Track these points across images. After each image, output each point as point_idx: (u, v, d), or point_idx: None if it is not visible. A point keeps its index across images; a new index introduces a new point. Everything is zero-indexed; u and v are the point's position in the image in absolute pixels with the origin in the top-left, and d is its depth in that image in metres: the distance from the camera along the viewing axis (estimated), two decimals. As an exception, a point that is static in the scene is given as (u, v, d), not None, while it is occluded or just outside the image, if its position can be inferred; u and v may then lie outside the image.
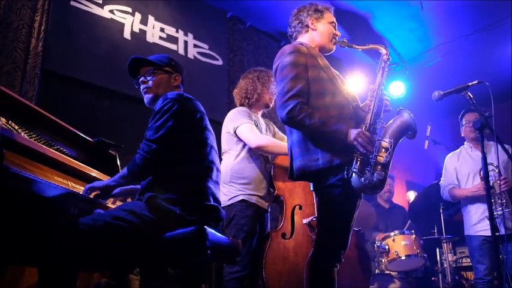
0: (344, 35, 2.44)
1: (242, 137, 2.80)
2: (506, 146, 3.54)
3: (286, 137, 2.33)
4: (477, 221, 3.38)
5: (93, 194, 1.97)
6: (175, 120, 1.92)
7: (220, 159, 2.79)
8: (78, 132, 2.37)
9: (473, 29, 5.13)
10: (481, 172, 3.25)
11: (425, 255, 4.15)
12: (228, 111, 3.04)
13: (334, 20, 2.40)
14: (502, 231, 3.17)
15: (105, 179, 2.19)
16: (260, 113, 3.06)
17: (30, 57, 3.34)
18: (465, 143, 3.67)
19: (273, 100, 3.03)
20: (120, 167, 2.57)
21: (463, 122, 3.61)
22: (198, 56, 4.58)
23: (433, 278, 4.54)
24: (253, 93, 2.96)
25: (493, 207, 3.14)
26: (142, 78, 2.14)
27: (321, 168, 2.03)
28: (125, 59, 2.20)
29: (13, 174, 1.63)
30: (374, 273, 4.14)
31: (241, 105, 3.01)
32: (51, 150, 2.06)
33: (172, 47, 4.36)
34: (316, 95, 2.11)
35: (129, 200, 2.28)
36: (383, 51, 2.30)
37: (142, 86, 2.14)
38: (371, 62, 5.46)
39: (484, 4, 4.71)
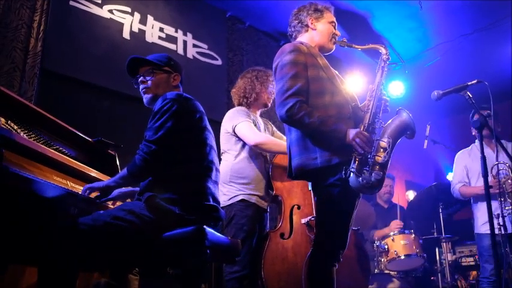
0: (343, 35, 2.44)
1: (241, 135, 2.80)
2: (510, 144, 3.56)
3: (284, 136, 2.33)
4: (485, 221, 3.38)
5: (93, 194, 1.97)
6: (174, 120, 1.92)
7: (220, 159, 2.79)
8: (78, 132, 2.37)
9: (472, 28, 5.14)
10: (493, 170, 3.25)
11: (425, 254, 4.16)
12: (227, 111, 3.04)
13: (334, 19, 2.40)
14: (510, 229, 3.17)
15: (104, 179, 2.19)
16: (258, 112, 3.05)
17: (30, 57, 3.34)
18: (476, 141, 3.66)
19: (272, 100, 3.03)
20: (119, 167, 2.57)
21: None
22: (197, 56, 4.58)
23: (432, 278, 4.54)
24: (252, 92, 2.96)
25: (502, 205, 3.15)
26: (141, 78, 2.14)
27: (319, 167, 2.04)
28: (124, 59, 2.19)
29: (12, 174, 1.63)
30: (373, 273, 4.14)
31: (240, 104, 3.01)
32: (51, 150, 2.06)
33: (172, 46, 4.36)
34: (316, 94, 2.11)
35: (128, 200, 2.28)
36: (383, 51, 2.30)
37: (141, 86, 2.14)
38: (370, 62, 5.46)
39: (484, 4, 4.71)
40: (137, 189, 2.04)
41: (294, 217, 2.89)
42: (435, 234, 4.50)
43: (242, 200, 2.73)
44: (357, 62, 5.49)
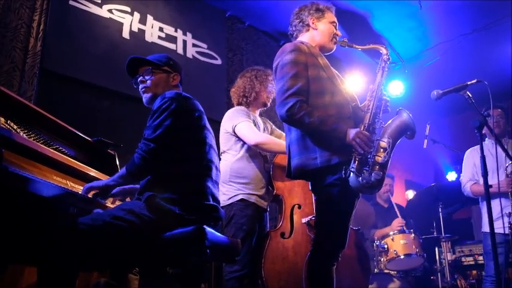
0: (343, 34, 2.44)
1: (241, 135, 2.80)
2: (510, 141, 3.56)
3: (284, 134, 2.33)
4: (494, 218, 3.38)
5: (92, 193, 1.97)
6: (173, 119, 1.92)
7: (219, 159, 2.79)
8: (77, 132, 2.37)
9: (472, 28, 5.14)
10: (507, 168, 3.25)
11: (425, 254, 4.16)
12: (227, 111, 3.04)
13: (335, 19, 2.40)
14: None
15: (104, 178, 2.19)
16: (258, 112, 3.05)
17: (29, 56, 3.34)
18: (486, 139, 3.65)
19: (271, 99, 3.03)
20: (119, 167, 2.57)
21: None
22: (197, 56, 4.58)
23: (432, 277, 4.55)
24: (251, 92, 2.96)
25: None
26: (140, 78, 2.14)
27: (319, 167, 2.04)
28: (124, 59, 2.19)
29: (12, 174, 1.63)
30: (373, 273, 4.14)
31: (239, 104, 3.01)
32: (50, 149, 2.05)
33: (171, 46, 4.36)
34: (316, 94, 2.11)
35: (128, 199, 2.28)
36: (383, 51, 2.30)
37: (140, 86, 2.14)
38: (370, 62, 5.46)
39: (483, 3, 4.71)
40: (137, 186, 2.05)
41: (295, 216, 2.89)
42: (435, 233, 4.50)
43: (242, 200, 2.73)
44: (356, 62, 5.49)
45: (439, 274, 4.32)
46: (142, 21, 4.20)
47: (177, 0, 4.58)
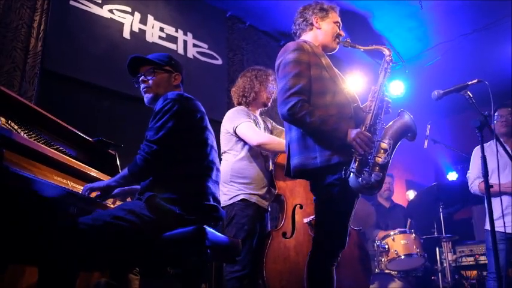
0: (344, 35, 2.43)
1: (242, 135, 2.80)
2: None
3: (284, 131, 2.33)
4: (496, 217, 3.38)
5: (93, 194, 1.97)
6: (175, 120, 1.92)
7: (220, 159, 2.78)
8: (78, 132, 2.37)
9: (472, 28, 5.13)
10: None
11: (425, 254, 4.15)
12: (227, 111, 3.04)
13: (339, 19, 2.39)
14: None
15: (104, 178, 2.19)
16: (258, 112, 3.05)
17: (30, 57, 3.34)
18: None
19: (271, 99, 3.03)
20: (119, 167, 2.57)
21: (495, 117, 3.60)
22: (198, 56, 4.58)
23: (432, 277, 4.55)
24: (251, 91, 2.96)
25: None
26: (142, 78, 2.14)
27: (318, 166, 2.03)
28: (125, 59, 2.19)
29: (13, 174, 1.63)
30: (374, 273, 4.14)
31: (239, 103, 3.00)
32: (51, 149, 2.05)
33: (172, 46, 4.36)
34: (317, 93, 2.11)
35: (128, 199, 2.28)
36: (386, 52, 2.30)
37: (142, 86, 2.14)
38: (371, 62, 5.46)
39: (484, 3, 4.71)
40: (137, 186, 2.04)
41: (296, 216, 2.89)
42: (435, 233, 4.50)
43: (243, 200, 2.73)
44: (357, 62, 5.48)
45: (439, 274, 4.32)
46: (143, 21, 4.20)
47: (178, 0, 4.58)
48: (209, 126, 2.12)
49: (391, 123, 2.13)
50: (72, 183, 2.04)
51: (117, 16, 4.03)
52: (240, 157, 2.82)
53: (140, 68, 2.16)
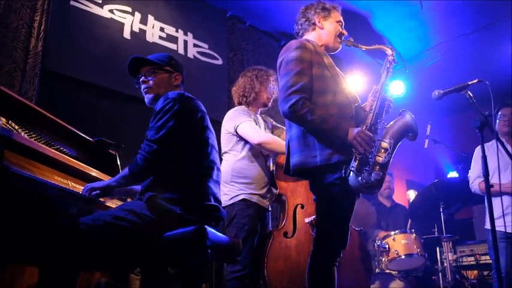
0: (343, 34, 2.43)
1: (243, 134, 2.80)
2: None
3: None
4: (496, 217, 3.37)
5: (94, 194, 1.97)
6: (176, 120, 1.92)
7: (221, 159, 2.78)
8: (78, 132, 2.36)
9: (473, 28, 5.13)
10: None
11: (426, 254, 4.15)
12: (228, 111, 3.04)
13: (341, 19, 2.40)
14: None
15: (105, 178, 2.19)
16: (258, 112, 3.05)
17: (30, 57, 3.34)
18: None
19: (271, 100, 3.02)
20: (120, 167, 2.57)
21: (498, 116, 3.60)
22: (198, 56, 4.57)
23: (433, 277, 4.54)
24: (251, 91, 2.96)
25: None
26: (143, 78, 2.14)
27: (318, 165, 2.03)
28: (125, 59, 2.19)
29: (13, 174, 1.63)
30: (374, 272, 4.13)
31: (239, 103, 3.01)
32: (51, 149, 2.05)
33: (172, 46, 4.36)
34: (319, 92, 2.10)
35: (129, 199, 2.28)
36: (389, 52, 2.30)
37: (143, 86, 2.14)
38: (371, 62, 5.46)
39: (484, 3, 4.71)
40: (137, 187, 2.04)
41: (298, 216, 2.90)
42: (436, 233, 4.49)
43: (243, 200, 2.73)
44: (357, 62, 5.48)
45: (440, 274, 4.31)
46: (143, 21, 4.20)
47: (178, 0, 4.58)
48: (210, 126, 2.12)
49: (392, 122, 2.13)
50: (72, 183, 2.04)
51: (118, 16, 4.03)
52: (241, 157, 2.82)
53: (140, 69, 2.16)
